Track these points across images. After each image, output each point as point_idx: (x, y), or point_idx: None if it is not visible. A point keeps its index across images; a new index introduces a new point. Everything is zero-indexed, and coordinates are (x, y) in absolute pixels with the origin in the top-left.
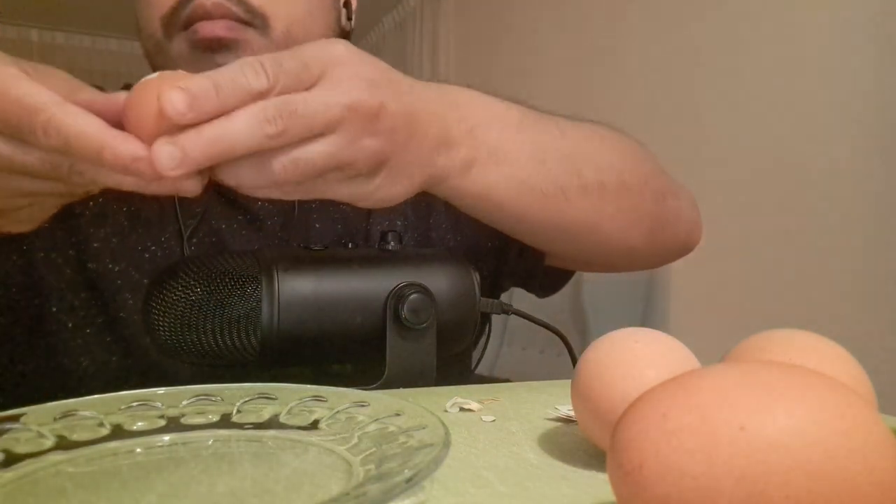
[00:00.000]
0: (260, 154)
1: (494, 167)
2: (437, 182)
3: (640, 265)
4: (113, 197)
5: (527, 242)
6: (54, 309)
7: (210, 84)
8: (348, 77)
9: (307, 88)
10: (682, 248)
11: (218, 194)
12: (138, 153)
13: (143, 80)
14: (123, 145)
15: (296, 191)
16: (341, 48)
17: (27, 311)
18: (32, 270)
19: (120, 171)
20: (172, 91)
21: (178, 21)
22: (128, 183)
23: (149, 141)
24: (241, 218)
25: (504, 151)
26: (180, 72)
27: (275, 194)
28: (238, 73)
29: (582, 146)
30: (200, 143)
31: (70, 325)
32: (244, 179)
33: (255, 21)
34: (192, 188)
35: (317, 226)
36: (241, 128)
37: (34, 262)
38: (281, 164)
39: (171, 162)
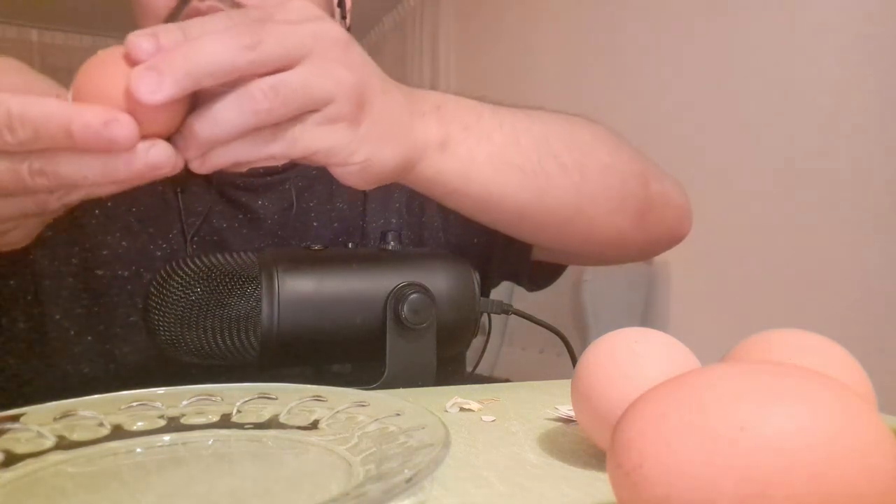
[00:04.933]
0: (238, 89)
1: (471, 144)
2: (416, 159)
3: (630, 255)
4: (120, 199)
5: (513, 234)
6: (57, 316)
7: (175, 27)
8: (310, 14)
9: None
10: (673, 236)
11: (220, 195)
12: (109, 115)
13: (81, 68)
14: (91, 112)
15: (276, 140)
16: (306, 3)
17: (30, 317)
18: (36, 278)
19: (93, 144)
20: (137, 35)
21: None
22: (95, 173)
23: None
24: (241, 217)
25: (475, 128)
26: (115, 47)
27: (253, 148)
28: (205, 20)
29: (556, 129)
30: (177, 60)
31: (72, 332)
32: (226, 117)
33: None
34: (166, 159)
35: (315, 224)
36: (215, 42)
37: (37, 270)
38: (260, 89)
39: (148, 86)
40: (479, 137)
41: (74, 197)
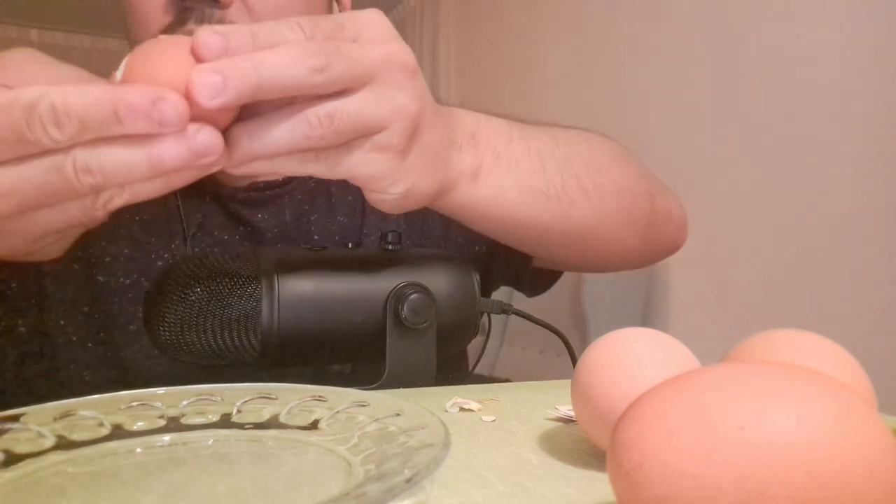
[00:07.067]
0: (294, 108)
1: (500, 173)
2: (449, 188)
3: (632, 265)
4: (124, 207)
5: (530, 251)
6: (60, 321)
7: (246, 29)
8: (383, 34)
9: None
10: (672, 248)
11: (219, 205)
12: (157, 93)
13: (136, 50)
14: (137, 91)
15: (319, 161)
16: (376, 13)
17: (33, 321)
18: (41, 282)
19: (141, 125)
20: (206, 32)
21: None
22: (142, 164)
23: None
24: (241, 229)
25: (505, 157)
26: (179, 35)
27: (295, 164)
28: (273, 25)
29: (575, 150)
30: (243, 69)
31: (74, 338)
32: (277, 136)
33: None
34: (214, 145)
35: (315, 237)
36: (284, 58)
37: (41, 273)
38: (316, 116)
39: (209, 87)
40: (507, 166)
41: (119, 201)
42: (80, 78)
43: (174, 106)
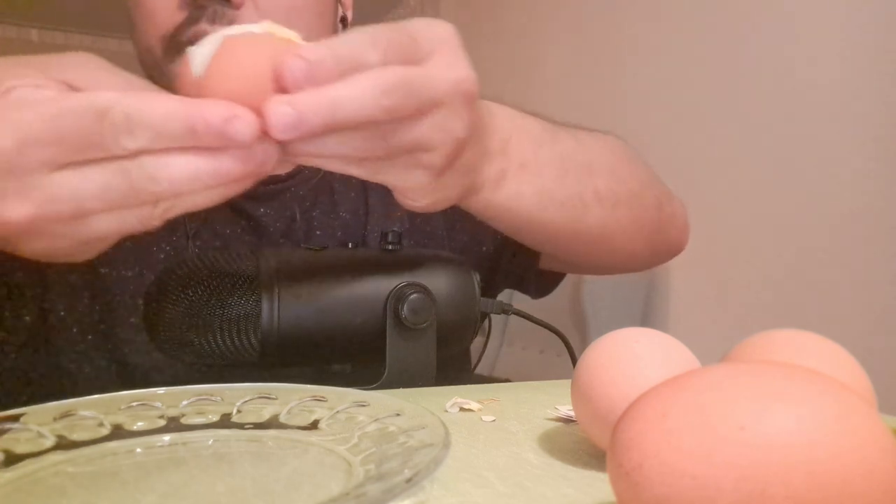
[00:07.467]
0: (358, 128)
1: (523, 180)
2: (471, 193)
3: (636, 268)
4: None
5: (541, 251)
6: (61, 312)
7: (329, 55)
8: (454, 57)
9: (414, 63)
10: (675, 251)
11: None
12: (231, 111)
13: (224, 43)
14: (213, 108)
15: (360, 166)
16: (447, 27)
17: (36, 311)
18: (45, 272)
19: (214, 141)
20: (293, 58)
21: (180, 44)
22: (208, 174)
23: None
24: (244, 223)
25: (531, 165)
26: (265, 24)
27: (336, 164)
28: (355, 48)
29: (597, 158)
30: (318, 106)
31: (75, 329)
32: (327, 144)
33: None
34: (273, 158)
35: (318, 233)
36: (358, 96)
37: (46, 263)
38: (372, 133)
39: (284, 124)
40: (532, 173)
41: (177, 210)
42: (145, 86)
43: (248, 125)
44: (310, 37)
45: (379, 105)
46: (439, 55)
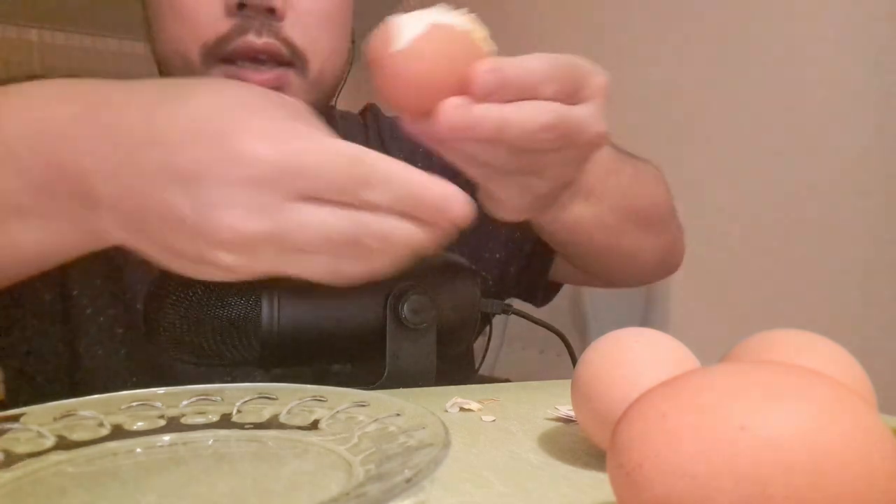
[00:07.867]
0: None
1: (585, 206)
2: (543, 212)
3: (634, 284)
4: None
5: (576, 264)
6: (75, 293)
7: (516, 78)
8: (602, 109)
9: (573, 103)
10: (673, 271)
11: None
12: (450, 193)
13: (430, 24)
14: (455, 198)
15: (482, 171)
16: (606, 78)
17: (55, 289)
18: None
19: (439, 219)
20: (487, 72)
21: (221, 53)
22: (420, 238)
23: (421, 99)
24: None
25: (597, 192)
26: (459, 18)
27: (462, 162)
28: (537, 78)
29: (647, 188)
30: (489, 123)
31: (89, 310)
32: (474, 152)
33: (297, 62)
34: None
35: None
36: (525, 122)
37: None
38: (507, 151)
39: (457, 128)
40: (595, 200)
41: (360, 271)
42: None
43: (463, 207)
44: (336, 43)
45: (536, 136)
46: (593, 104)
